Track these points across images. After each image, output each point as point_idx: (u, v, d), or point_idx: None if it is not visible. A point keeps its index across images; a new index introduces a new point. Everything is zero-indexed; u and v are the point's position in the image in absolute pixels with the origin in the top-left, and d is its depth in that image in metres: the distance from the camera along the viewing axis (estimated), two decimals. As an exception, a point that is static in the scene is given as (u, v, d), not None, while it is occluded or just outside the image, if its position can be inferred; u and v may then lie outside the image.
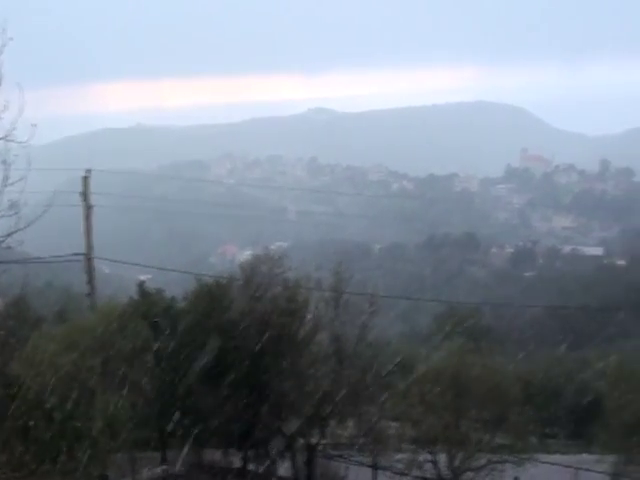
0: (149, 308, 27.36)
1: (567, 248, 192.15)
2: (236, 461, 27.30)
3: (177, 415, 24.80)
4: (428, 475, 26.88)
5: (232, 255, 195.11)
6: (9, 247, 14.38)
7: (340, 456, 27.76)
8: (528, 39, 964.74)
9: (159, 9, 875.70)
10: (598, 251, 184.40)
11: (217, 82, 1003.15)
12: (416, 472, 26.84)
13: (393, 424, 27.68)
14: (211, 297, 26.60)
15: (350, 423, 27.48)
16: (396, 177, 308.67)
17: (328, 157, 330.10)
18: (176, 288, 33.59)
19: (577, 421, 41.35)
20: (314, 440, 27.17)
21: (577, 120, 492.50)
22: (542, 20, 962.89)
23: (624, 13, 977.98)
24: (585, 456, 34.05)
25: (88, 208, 30.76)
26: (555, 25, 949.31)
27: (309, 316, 26.81)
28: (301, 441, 27.20)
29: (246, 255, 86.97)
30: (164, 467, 27.31)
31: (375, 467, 27.60)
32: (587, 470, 28.69)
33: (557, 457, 34.90)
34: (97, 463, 17.01)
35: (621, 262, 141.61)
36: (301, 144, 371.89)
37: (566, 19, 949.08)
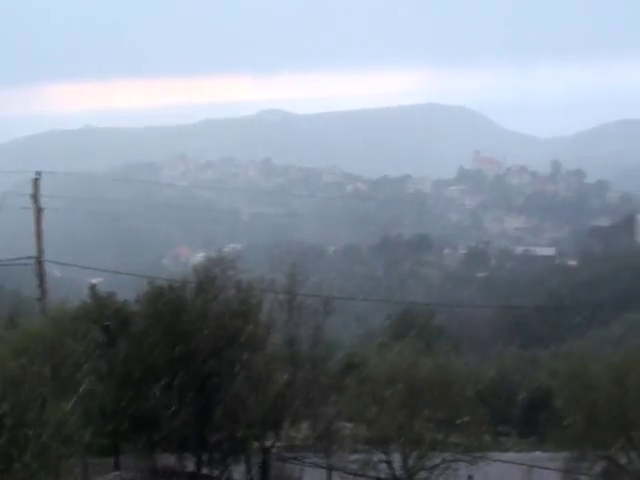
0: (101, 312, 27.12)
1: (519, 249, 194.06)
2: (190, 465, 27.14)
3: (130, 420, 24.60)
4: (382, 475, 26.95)
5: (185, 257, 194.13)
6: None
7: (294, 458, 27.73)
8: (479, 42, 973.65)
9: (110, 10, 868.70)
10: (550, 251, 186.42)
11: (169, 83, 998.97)
12: (371, 472, 26.90)
13: (347, 425, 27.71)
14: (164, 300, 26.42)
15: (304, 425, 27.46)
16: (350, 179, 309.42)
17: (281, 159, 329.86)
18: (128, 291, 33.31)
19: (530, 419, 41.74)
20: (268, 443, 27.11)
21: (528, 122, 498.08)
22: (493, 23, 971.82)
23: (573, 17, 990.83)
24: (538, 454, 34.41)
25: (38, 211, 30.41)
26: (505, 28, 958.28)
27: (263, 318, 26.74)
28: (255, 444, 27.11)
29: (199, 257, 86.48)
30: (117, 473, 27.09)
31: (330, 468, 27.60)
32: (540, 468, 28.99)
33: (510, 455, 35.20)
34: (49, 470, 16.79)
35: (572, 262, 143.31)
36: (254, 146, 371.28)
37: (516, 22, 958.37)
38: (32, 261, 30.37)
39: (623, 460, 26.34)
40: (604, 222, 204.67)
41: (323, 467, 27.75)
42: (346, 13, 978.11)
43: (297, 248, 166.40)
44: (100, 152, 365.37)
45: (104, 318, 26.45)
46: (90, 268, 69.08)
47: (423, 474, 26.73)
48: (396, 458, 26.82)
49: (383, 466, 26.86)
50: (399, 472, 26.66)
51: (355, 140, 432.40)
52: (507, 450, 37.56)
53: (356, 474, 26.99)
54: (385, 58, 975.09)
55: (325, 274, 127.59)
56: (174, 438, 25.45)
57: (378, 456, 26.84)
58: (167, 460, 27.35)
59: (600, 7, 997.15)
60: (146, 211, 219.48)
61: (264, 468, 27.16)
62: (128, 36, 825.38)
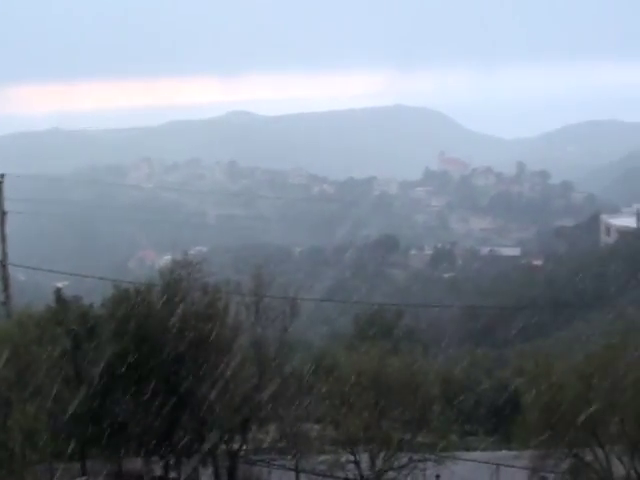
0: (66, 316, 26.93)
1: (485, 249, 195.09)
2: (157, 469, 27.04)
3: (97, 424, 24.46)
4: (350, 476, 27.03)
5: (151, 260, 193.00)
6: None
7: (262, 461, 27.73)
8: (445, 44, 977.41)
9: (76, 10, 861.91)
10: (515, 252, 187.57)
11: (136, 85, 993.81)
12: (339, 473, 26.96)
13: (315, 426, 27.75)
14: (130, 303, 26.30)
15: (272, 427, 27.46)
16: (316, 180, 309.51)
17: (248, 160, 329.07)
18: (94, 295, 33.11)
19: (496, 418, 41.98)
20: (236, 446, 27.07)
21: (494, 124, 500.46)
22: (458, 25, 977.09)
23: (538, 19, 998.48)
24: (504, 452, 34.64)
25: (2, 214, 30.17)
26: (471, 30, 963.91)
27: (229, 321, 26.71)
28: (223, 447, 27.07)
29: (165, 260, 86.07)
30: (84, 478, 26.91)
31: (298, 470, 27.62)
32: (507, 466, 29.21)
33: (477, 454, 35.42)
34: (15, 476, 16.67)
35: (537, 262, 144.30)
36: (220, 147, 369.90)
37: (481, 24, 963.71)
38: (-4, 265, 30.11)
39: (589, 457, 26.61)
40: (569, 222, 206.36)
41: (291, 469, 27.77)
42: (313, 15, 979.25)
43: (263, 250, 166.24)
44: (66, 154, 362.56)
45: (70, 322, 26.26)
46: (55, 272, 68.53)
47: (391, 474, 26.85)
48: (364, 458, 26.90)
49: (351, 467, 26.93)
50: (367, 472, 26.75)
51: (321, 142, 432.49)
52: (474, 449, 37.78)
53: (324, 475, 27.04)
54: (352, 60, 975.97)
55: (291, 276, 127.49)
56: (141, 442, 25.36)
57: (346, 457, 26.90)
58: (134, 464, 27.24)
59: (566, 9, 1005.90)
60: (112, 213, 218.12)
61: (232, 471, 27.12)
62: (94, 37, 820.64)
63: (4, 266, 30.05)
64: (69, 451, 24.26)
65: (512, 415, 33.08)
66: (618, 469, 26.43)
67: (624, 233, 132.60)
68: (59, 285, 38.57)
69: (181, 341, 25.21)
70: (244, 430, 26.91)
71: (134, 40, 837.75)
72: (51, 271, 68.12)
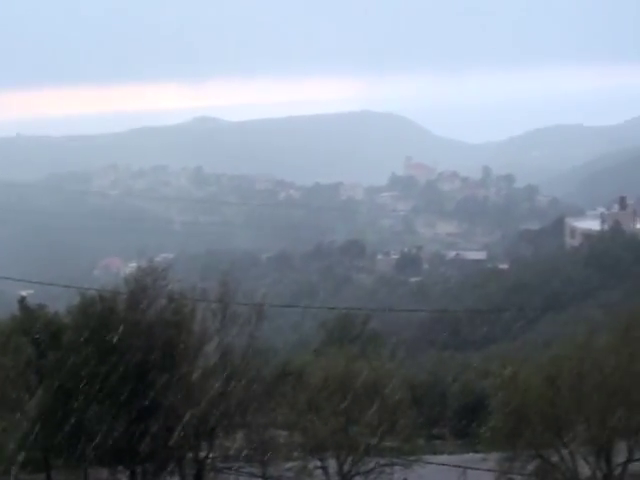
0: (31, 324, 26.72)
1: (451, 253, 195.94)
2: (123, 478, 26.86)
3: (62, 434, 24.28)
4: (318, 482, 27.03)
5: (117, 268, 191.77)
6: None
7: (229, 468, 27.62)
8: (411, 50, 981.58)
9: (40, 16, 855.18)
10: (481, 255, 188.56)
11: (101, 91, 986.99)
12: (306, 479, 26.95)
13: (282, 433, 27.72)
14: (95, 311, 26.14)
15: (239, 434, 27.38)
16: (282, 186, 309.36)
17: (214, 167, 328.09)
18: (59, 303, 32.85)
19: (463, 421, 42.16)
20: (203, 453, 26.97)
21: (460, 129, 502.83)
22: (422, 31, 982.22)
23: (502, 23, 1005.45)
24: (471, 455, 34.78)
25: (-35, 222, 29.88)
26: (435, 35, 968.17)
27: (196, 328, 26.62)
28: (190, 455, 26.95)
29: (131, 268, 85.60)
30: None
31: (265, 477, 27.56)
32: (474, 469, 29.34)
33: (444, 457, 35.55)
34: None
35: (503, 266, 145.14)
36: (186, 154, 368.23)
37: (446, 29, 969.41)
38: (-41, 274, 29.83)
39: (555, 458, 26.82)
40: (534, 226, 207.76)
41: (259, 476, 27.70)
42: (280, 21, 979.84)
43: (230, 256, 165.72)
44: (31, 161, 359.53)
45: (34, 330, 26.06)
46: (20, 280, 67.89)
47: (358, 479, 26.89)
48: (332, 464, 26.92)
49: (319, 472, 26.94)
50: (335, 478, 26.77)
51: (287, 147, 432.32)
52: (441, 452, 37.92)
53: (292, 481, 27.02)
54: (319, 66, 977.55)
55: (258, 282, 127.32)
56: (107, 451, 25.18)
57: (314, 463, 26.91)
58: (100, 474, 27.04)
59: (528, 15, 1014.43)
60: (77, 221, 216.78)
61: (199, 479, 27.00)
62: (60, 43, 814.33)
63: (-33, 275, 29.79)
64: (34, 461, 24.08)
65: (479, 418, 33.27)
66: (584, 470, 26.67)
67: (588, 236, 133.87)
68: (24, 293, 38.26)
69: (147, 349, 25.09)
70: (211, 437, 26.81)
71: (99, 46, 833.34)
72: (16, 279, 67.44)
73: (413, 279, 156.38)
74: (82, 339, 25.52)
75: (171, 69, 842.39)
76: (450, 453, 38.21)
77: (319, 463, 26.88)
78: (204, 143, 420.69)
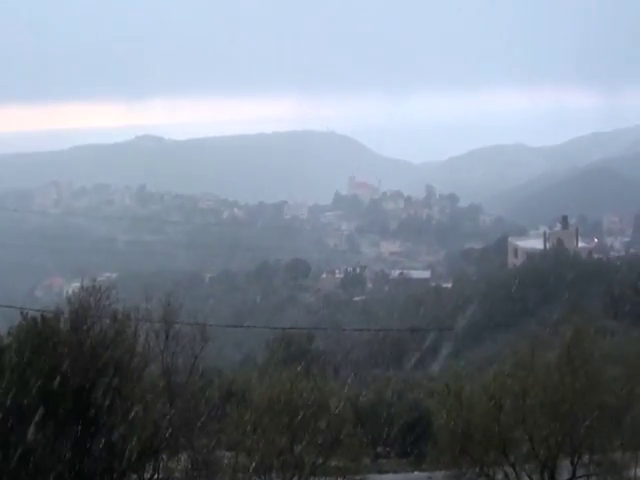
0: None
1: (395, 272, 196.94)
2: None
3: (1, 457, 23.76)
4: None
5: (59, 287, 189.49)
6: None
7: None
8: (353, 70, 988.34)
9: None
10: (425, 274, 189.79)
11: (41, 109, 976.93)
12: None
13: (227, 454, 27.51)
14: (37, 332, 25.70)
15: (183, 455, 27.10)
16: (226, 205, 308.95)
17: (157, 185, 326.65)
18: (0, 324, 32.28)
19: (408, 440, 42.26)
20: (147, 475, 26.63)
21: (402, 148, 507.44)
22: (362, 51, 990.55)
23: (443, 46, 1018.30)
24: (417, 474, 34.90)
25: None
26: (376, 56, 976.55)
27: (139, 348, 26.33)
28: (134, 477, 26.58)
29: (74, 287, 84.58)
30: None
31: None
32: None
33: (390, 476, 35.62)
34: None
35: (447, 284, 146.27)
36: (129, 172, 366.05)
37: (386, 50, 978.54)
38: None
39: (500, 476, 26.99)
40: (477, 245, 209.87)
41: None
42: (221, 40, 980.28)
43: (173, 276, 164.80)
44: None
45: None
46: (-42, 300, 66.76)
47: (304, 499, 26.74)
48: (277, 485, 26.76)
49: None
50: (280, 499, 26.60)
51: (231, 166, 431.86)
52: (386, 471, 37.96)
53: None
54: (261, 85, 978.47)
55: (202, 301, 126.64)
56: (48, 474, 24.72)
57: (259, 484, 26.72)
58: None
59: (470, 37, 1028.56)
60: (17, 240, 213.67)
61: (143, 501, 26.63)
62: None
63: None
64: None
65: (424, 436, 33.38)
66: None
67: (531, 255, 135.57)
68: (-39, 314, 37.51)
69: (89, 369, 24.72)
70: (155, 459, 26.48)
71: (39, 62, 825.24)
72: (-47, 300, 66.24)
73: (357, 298, 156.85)
74: (23, 360, 25.05)
75: (113, 87, 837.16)
76: (395, 472, 38.26)
77: (264, 484, 26.68)
78: (147, 161, 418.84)
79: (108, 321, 26.16)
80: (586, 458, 27.46)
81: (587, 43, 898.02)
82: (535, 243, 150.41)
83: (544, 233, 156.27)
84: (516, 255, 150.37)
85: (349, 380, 48.03)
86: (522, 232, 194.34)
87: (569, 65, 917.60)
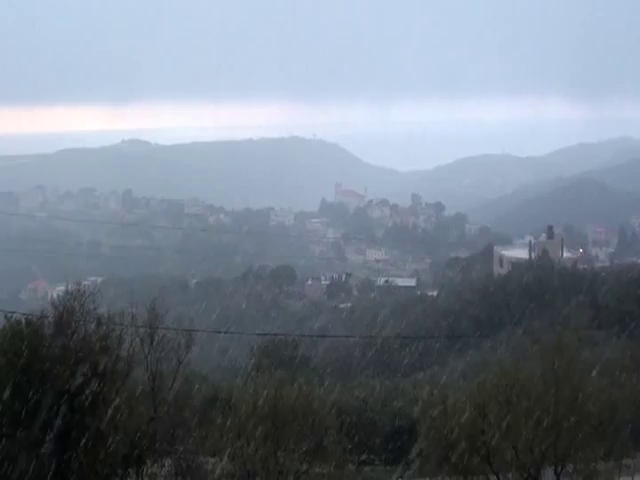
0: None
1: (381, 280, 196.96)
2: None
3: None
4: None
5: (44, 291, 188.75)
6: None
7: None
8: (341, 78, 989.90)
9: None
10: (411, 282, 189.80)
11: (27, 112, 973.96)
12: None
13: (211, 459, 27.45)
14: (21, 336, 25.59)
15: (167, 461, 27.04)
16: (212, 211, 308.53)
17: (143, 190, 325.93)
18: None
19: (393, 448, 42.24)
20: (130, 480, 26.55)
21: (389, 156, 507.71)
22: (351, 59, 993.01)
23: (431, 55, 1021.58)
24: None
25: None
26: (366, 66, 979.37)
27: (124, 353, 26.25)
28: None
29: (58, 291, 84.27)
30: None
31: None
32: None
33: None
34: None
35: (432, 292, 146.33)
36: (115, 176, 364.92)
37: (375, 58, 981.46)
38: None
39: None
40: (463, 253, 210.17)
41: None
42: (212, 45, 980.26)
43: (159, 281, 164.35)
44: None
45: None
46: (-59, 303, 66.47)
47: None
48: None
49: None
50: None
51: (218, 172, 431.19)
52: (370, 479, 37.89)
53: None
54: (250, 91, 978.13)
55: (187, 307, 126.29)
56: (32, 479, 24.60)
57: (242, 490, 26.66)
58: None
59: (457, 46, 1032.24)
60: (2, 243, 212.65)
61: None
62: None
63: None
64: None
65: (409, 444, 33.35)
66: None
67: (516, 264, 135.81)
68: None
69: (74, 374, 24.62)
70: (139, 464, 26.39)
71: (26, 65, 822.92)
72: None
73: (343, 305, 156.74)
74: (7, 364, 24.94)
75: (100, 91, 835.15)
76: (379, 479, 38.22)
77: (248, 490, 26.62)
78: (133, 166, 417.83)
79: (93, 326, 26.08)
80: (570, 467, 27.52)
81: (573, 54, 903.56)
82: (520, 253, 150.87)
83: (529, 243, 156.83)
84: (501, 264, 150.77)
85: (334, 387, 48.00)
86: (508, 241, 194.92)
87: (555, 76, 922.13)
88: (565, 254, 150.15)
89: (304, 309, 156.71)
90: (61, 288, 32.69)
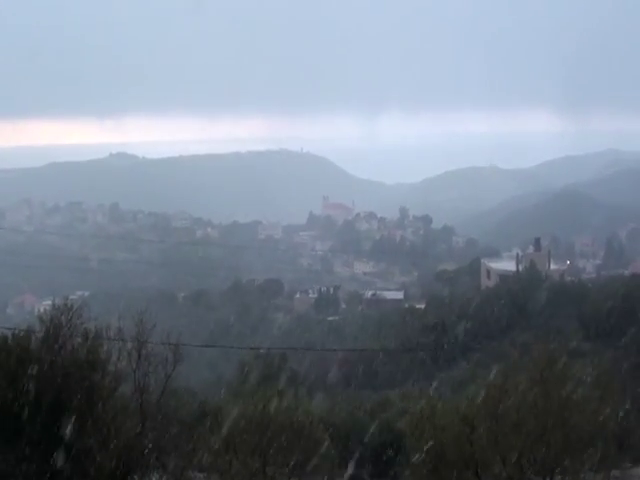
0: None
1: (369, 293, 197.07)
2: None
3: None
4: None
5: (31, 305, 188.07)
6: None
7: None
8: (329, 92, 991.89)
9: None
10: (399, 295, 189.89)
11: (13, 125, 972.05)
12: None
13: (199, 475, 27.32)
14: (7, 350, 25.46)
15: (155, 476, 26.88)
16: (200, 224, 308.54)
17: (130, 204, 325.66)
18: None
19: (381, 461, 42.14)
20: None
21: (377, 170, 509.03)
22: (338, 73, 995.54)
23: (417, 68, 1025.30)
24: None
25: None
26: (351, 78, 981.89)
27: (111, 367, 26.12)
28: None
29: (45, 305, 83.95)
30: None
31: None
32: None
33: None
34: None
35: (420, 305, 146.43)
36: (102, 190, 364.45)
37: (361, 72, 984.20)
38: None
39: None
40: (450, 266, 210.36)
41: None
42: (197, 57, 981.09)
43: (146, 295, 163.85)
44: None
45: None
46: None
47: (276, 521, 26.58)
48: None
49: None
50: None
51: (205, 185, 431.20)
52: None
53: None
54: (237, 105, 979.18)
55: (175, 321, 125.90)
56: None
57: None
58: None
59: (441, 59, 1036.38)
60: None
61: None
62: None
63: None
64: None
65: (397, 457, 33.30)
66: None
67: (504, 277, 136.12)
68: None
69: (61, 389, 24.50)
70: (126, 479, 26.23)
71: (11, 78, 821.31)
72: None
73: (331, 318, 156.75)
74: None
75: (88, 105, 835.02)
76: (368, 493, 38.11)
77: (236, 505, 26.49)
78: (121, 179, 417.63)
79: (80, 340, 25.95)
80: (558, 478, 27.49)
81: (559, 67, 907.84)
82: (508, 265, 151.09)
83: (517, 255, 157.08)
84: (489, 277, 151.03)
85: (322, 400, 47.95)
86: (495, 254, 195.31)
87: (542, 89, 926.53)
88: (552, 266, 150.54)
89: (292, 322, 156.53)
90: (48, 302, 32.54)
